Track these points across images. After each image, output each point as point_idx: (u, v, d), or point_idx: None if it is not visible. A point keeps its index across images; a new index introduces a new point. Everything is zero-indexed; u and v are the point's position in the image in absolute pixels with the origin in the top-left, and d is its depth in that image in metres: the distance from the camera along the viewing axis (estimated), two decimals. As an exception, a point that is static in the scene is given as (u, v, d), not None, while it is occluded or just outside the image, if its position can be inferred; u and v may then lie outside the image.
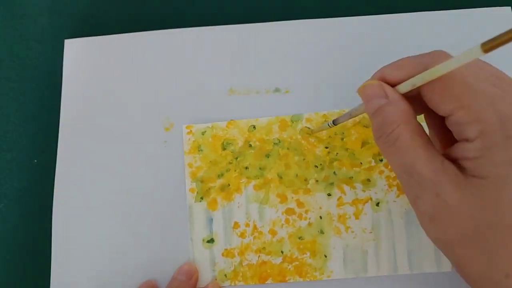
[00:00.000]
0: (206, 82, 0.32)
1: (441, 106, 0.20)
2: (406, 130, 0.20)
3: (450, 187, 0.19)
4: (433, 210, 0.20)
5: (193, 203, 0.30)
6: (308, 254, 0.29)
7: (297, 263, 0.29)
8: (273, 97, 0.32)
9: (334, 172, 0.30)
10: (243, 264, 0.29)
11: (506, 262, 0.19)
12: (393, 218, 0.29)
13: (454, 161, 0.20)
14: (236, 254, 0.29)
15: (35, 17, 0.36)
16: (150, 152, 0.31)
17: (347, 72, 0.32)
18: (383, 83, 0.21)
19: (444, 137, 0.23)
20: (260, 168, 0.30)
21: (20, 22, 0.35)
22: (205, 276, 0.29)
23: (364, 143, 0.30)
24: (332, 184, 0.30)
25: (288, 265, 0.29)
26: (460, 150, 0.20)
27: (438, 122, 0.22)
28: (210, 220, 0.30)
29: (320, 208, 0.29)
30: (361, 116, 0.30)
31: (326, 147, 0.30)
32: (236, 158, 0.30)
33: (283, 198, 0.30)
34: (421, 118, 0.23)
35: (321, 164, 0.30)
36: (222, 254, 0.29)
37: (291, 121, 0.31)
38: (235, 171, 0.30)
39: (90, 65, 0.33)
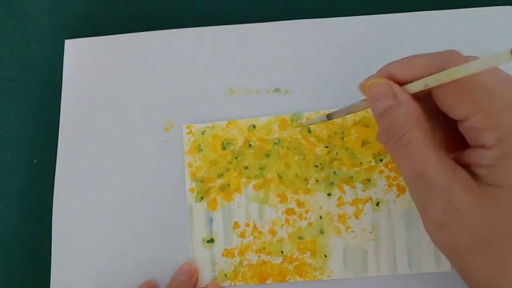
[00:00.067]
0: (206, 82, 0.32)
1: (456, 110, 0.19)
2: (418, 133, 0.19)
3: (462, 194, 0.19)
4: (444, 217, 0.19)
5: (193, 203, 0.30)
6: (308, 254, 0.29)
7: (297, 263, 0.29)
8: (273, 97, 0.32)
9: (334, 172, 0.30)
10: (243, 264, 0.29)
11: None
12: (393, 218, 0.29)
13: (466, 166, 0.19)
14: (236, 254, 0.29)
15: (35, 17, 0.36)
16: (150, 152, 0.31)
17: (347, 72, 0.32)
18: (391, 82, 0.20)
19: (452, 141, 0.22)
20: (260, 168, 0.30)
21: (20, 22, 0.35)
22: (205, 276, 0.29)
23: (364, 143, 0.30)
24: (332, 183, 0.30)
25: (288, 265, 0.29)
26: (474, 156, 0.19)
27: (447, 125, 0.21)
28: (210, 220, 0.30)
29: (320, 208, 0.29)
30: (360, 115, 0.30)
31: (326, 147, 0.30)
32: (236, 158, 0.30)
33: (283, 198, 0.30)
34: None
35: (321, 164, 0.30)
36: (222, 254, 0.29)
37: (291, 120, 0.31)
38: (235, 171, 0.30)
39: (90, 65, 0.33)
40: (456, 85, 0.18)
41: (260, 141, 0.31)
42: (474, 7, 0.33)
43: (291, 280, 0.28)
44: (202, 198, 0.30)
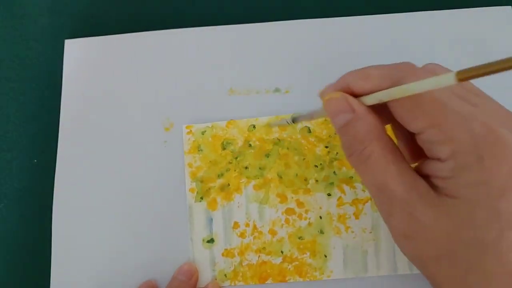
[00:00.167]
0: (206, 82, 0.32)
1: (411, 123, 0.19)
2: (378, 147, 0.20)
3: (423, 206, 0.19)
4: (407, 228, 0.20)
5: (193, 203, 0.30)
6: (308, 254, 0.29)
7: (297, 263, 0.29)
8: (273, 97, 0.32)
9: (334, 172, 0.30)
10: (243, 264, 0.29)
11: (481, 281, 0.18)
12: (393, 218, 0.29)
13: (426, 177, 0.20)
14: (236, 254, 0.29)
15: (35, 17, 0.36)
16: (150, 152, 0.31)
17: (347, 72, 0.32)
18: (347, 96, 0.20)
19: (414, 148, 0.22)
20: (260, 168, 0.30)
21: (20, 22, 0.35)
22: (205, 276, 0.29)
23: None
24: (332, 184, 0.30)
25: (288, 265, 0.29)
26: (431, 168, 0.19)
27: (408, 134, 0.21)
28: (210, 220, 0.30)
29: (320, 208, 0.29)
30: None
31: (326, 147, 0.30)
32: (236, 158, 0.30)
33: (283, 198, 0.30)
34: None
35: (321, 164, 0.30)
36: (222, 254, 0.29)
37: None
38: (235, 171, 0.30)
39: (90, 65, 0.33)
40: (410, 99, 0.18)
41: (260, 141, 0.31)
42: (474, 7, 0.33)
43: (291, 280, 0.28)
44: (202, 198, 0.30)
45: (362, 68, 0.21)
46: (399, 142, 0.23)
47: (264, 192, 0.30)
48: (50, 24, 0.35)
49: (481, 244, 0.18)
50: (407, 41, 0.33)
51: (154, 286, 0.29)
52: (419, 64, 0.23)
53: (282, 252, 0.29)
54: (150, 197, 0.30)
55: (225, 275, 0.29)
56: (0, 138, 0.33)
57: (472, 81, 0.18)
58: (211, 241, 0.29)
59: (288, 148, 0.30)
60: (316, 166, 0.30)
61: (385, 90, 0.19)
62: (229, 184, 0.30)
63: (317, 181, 0.30)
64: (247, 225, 0.29)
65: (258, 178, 0.30)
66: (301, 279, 0.28)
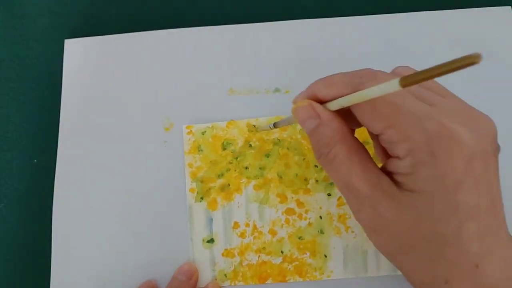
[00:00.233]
0: (206, 82, 0.32)
1: (371, 125, 0.20)
2: (342, 149, 0.21)
3: (386, 201, 0.20)
4: (373, 223, 0.21)
5: (193, 203, 0.30)
6: (308, 254, 0.29)
7: (297, 263, 0.29)
8: (273, 97, 0.32)
9: (334, 172, 0.30)
10: (243, 264, 0.29)
11: (444, 270, 0.20)
12: (393, 218, 0.29)
13: (390, 174, 0.21)
14: (236, 254, 0.29)
15: (35, 17, 0.36)
16: (150, 152, 0.31)
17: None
18: (313, 103, 0.22)
19: (384, 148, 0.23)
20: (260, 168, 0.30)
21: (20, 22, 0.35)
22: (205, 276, 0.29)
23: (363, 143, 0.30)
24: (332, 184, 0.30)
25: (288, 265, 0.29)
26: (393, 165, 0.20)
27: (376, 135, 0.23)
28: (210, 220, 0.30)
29: (320, 208, 0.29)
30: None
31: (326, 147, 0.30)
32: (236, 158, 0.30)
33: (283, 198, 0.30)
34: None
35: (321, 164, 0.30)
36: (222, 254, 0.29)
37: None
38: (235, 171, 0.30)
39: (90, 65, 0.33)
40: (368, 103, 0.20)
41: (260, 141, 0.31)
42: (474, 7, 0.33)
43: (291, 280, 0.28)
44: (202, 198, 0.30)
45: (327, 76, 0.22)
46: (373, 142, 0.24)
47: (264, 192, 0.30)
48: (50, 24, 0.35)
49: (441, 237, 0.19)
50: (407, 41, 0.33)
51: (154, 286, 0.29)
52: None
53: (282, 252, 0.29)
54: (150, 197, 0.30)
55: (225, 275, 0.29)
56: (0, 138, 0.33)
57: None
58: (211, 241, 0.29)
59: (288, 148, 0.30)
60: (316, 166, 0.30)
61: (345, 96, 0.20)
62: (229, 184, 0.30)
63: (317, 181, 0.30)
64: (247, 225, 0.29)
65: (258, 178, 0.30)
66: (301, 279, 0.28)
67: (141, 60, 0.33)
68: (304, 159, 0.30)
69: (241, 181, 0.30)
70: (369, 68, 0.22)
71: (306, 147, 0.30)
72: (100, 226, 0.30)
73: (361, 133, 0.30)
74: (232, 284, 0.29)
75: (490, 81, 0.31)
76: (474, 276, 0.19)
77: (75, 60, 0.34)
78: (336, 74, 0.22)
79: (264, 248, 0.29)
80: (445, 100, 0.21)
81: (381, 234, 0.21)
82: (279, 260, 0.29)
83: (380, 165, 0.22)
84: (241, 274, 0.29)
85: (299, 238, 0.29)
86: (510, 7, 0.33)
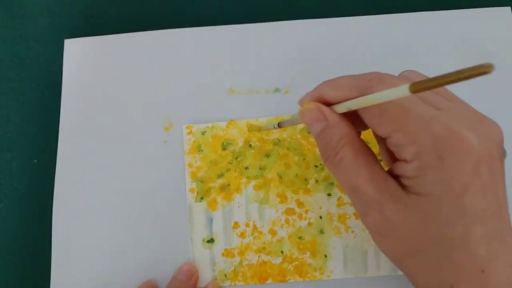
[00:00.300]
0: (206, 82, 0.32)
1: (379, 129, 0.20)
2: (349, 151, 0.21)
3: (393, 205, 0.20)
4: (379, 227, 0.21)
5: (193, 203, 0.30)
6: (308, 254, 0.29)
7: (297, 263, 0.29)
8: (273, 97, 0.32)
9: (334, 172, 0.30)
10: (243, 264, 0.29)
11: (451, 273, 0.20)
12: (393, 218, 0.29)
13: (397, 178, 0.21)
14: (236, 254, 0.29)
15: (35, 17, 0.36)
16: (150, 152, 0.31)
17: (347, 72, 0.32)
18: (320, 106, 0.22)
19: (390, 151, 0.23)
20: (260, 168, 0.30)
21: (20, 22, 0.35)
22: (205, 276, 0.29)
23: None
24: (332, 184, 0.30)
25: (288, 265, 0.29)
26: (400, 169, 0.21)
27: (382, 138, 0.23)
28: (210, 220, 0.30)
29: (320, 208, 0.29)
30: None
31: (326, 147, 0.30)
32: (236, 158, 0.30)
33: (283, 198, 0.30)
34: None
35: (321, 164, 0.30)
36: (222, 254, 0.29)
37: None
38: (235, 171, 0.30)
39: (90, 65, 0.33)
40: (376, 107, 0.20)
41: (260, 141, 0.31)
42: (474, 7, 0.33)
43: (291, 280, 0.28)
44: (202, 198, 0.30)
45: (334, 79, 0.22)
46: (379, 146, 0.24)
47: (264, 192, 0.30)
48: (50, 24, 0.35)
49: (448, 240, 0.19)
50: (408, 41, 0.33)
51: (154, 286, 0.29)
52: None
53: (282, 252, 0.29)
54: (150, 197, 0.30)
55: (225, 275, 0.29)
56: (0, 138, 0.33)
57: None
58: (211, 241, 0.29)
59: (288, 148, 0.30)
60: (316, 166, 0.30)
61: (353, 100, 0.20)
62: (229, 184, 0.30)
63: (317, 181, 0.30)
64: (247, 225, 0.29)
65: (258, 178, 0.30)
66: (301, 279, 0.28)
67: (141, 60, 0.33)
68: (304, 159, 0.30)
69: (241, 181, 0.30)
70: (376, 72, 0.22)
71: (306, 147, 0.30)
72: (100, 226, 0.30)
73: (361, 133, 0.30)
74: (232, 284, 0.29)
75: (490, 81, 0.31)
76: (480, 281, 0.19)
77: (75, 60, 0.34)
78: (343, 76, 0.22)
79: (264, 248, 0.29)
80: (452, 104, 0.21)
81: (388, 237, 0.21)
82: (279, 260, 0.29)
83: (386, 169, 0.22)
84: (241, 274, 0.29)
85: (299, 238, 0.29)
86: (510, 7, 0.33)
